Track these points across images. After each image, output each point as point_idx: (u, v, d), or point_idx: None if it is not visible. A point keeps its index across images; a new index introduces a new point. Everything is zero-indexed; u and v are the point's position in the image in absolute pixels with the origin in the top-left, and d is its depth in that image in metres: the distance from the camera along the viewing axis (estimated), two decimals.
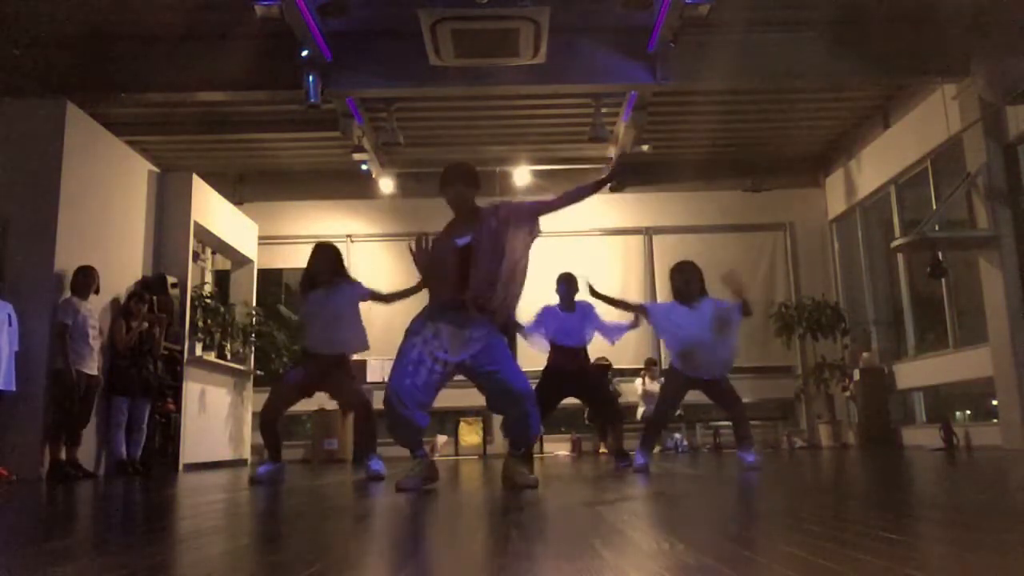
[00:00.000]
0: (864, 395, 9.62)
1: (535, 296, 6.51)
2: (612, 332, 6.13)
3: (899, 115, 9.31)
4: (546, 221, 3.95)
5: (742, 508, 2.84)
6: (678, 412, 10.37)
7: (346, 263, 5.51)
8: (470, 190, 3.89)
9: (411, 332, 3.80)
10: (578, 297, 6.17)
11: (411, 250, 3.90)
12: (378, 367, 10.16)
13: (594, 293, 5.44)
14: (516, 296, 3.87)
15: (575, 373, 6.07)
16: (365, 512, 3.04)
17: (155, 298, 7.43)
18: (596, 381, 6.46)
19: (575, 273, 6.22)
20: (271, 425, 5.09)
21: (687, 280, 5.14)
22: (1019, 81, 6.96)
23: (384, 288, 5.37)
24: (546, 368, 6.18)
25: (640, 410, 10.29)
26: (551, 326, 6.06)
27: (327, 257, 5.18)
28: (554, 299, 6.24)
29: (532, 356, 6.52)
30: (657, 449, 9.84)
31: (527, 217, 3.85)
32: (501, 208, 3.88)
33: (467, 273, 3.72)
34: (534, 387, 6.26)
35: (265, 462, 5.15)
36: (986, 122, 7.70)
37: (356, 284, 5.23)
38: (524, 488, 3.65)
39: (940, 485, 3.71)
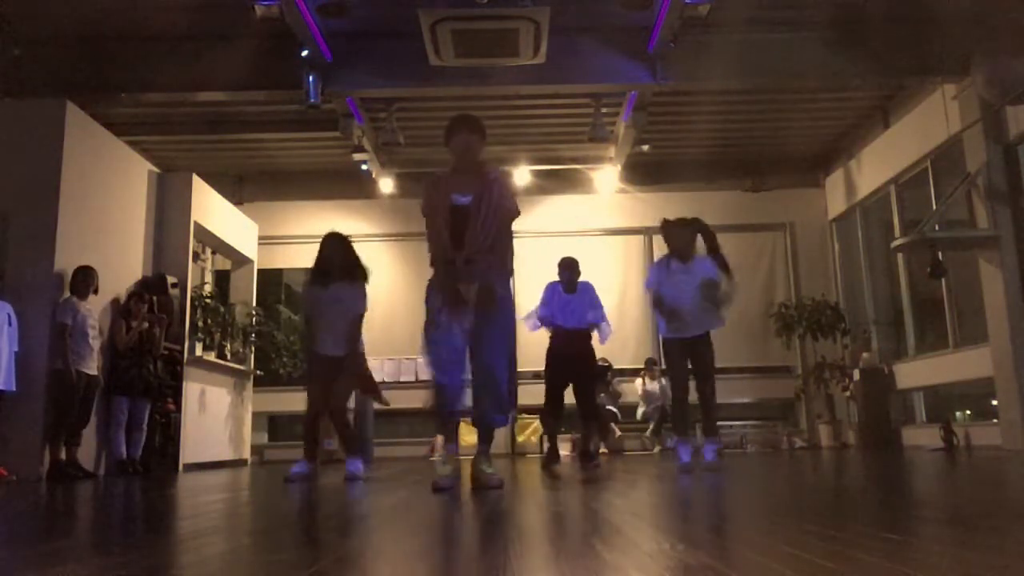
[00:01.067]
0: (864, 395, 9.61)
1: (539, 299, 6.55)
2: (606, 327, 6.18)
3: (899, 115, 9.31)
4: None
5: (742, 508, 2.84)
6: None
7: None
8: (476, 138, 3.95)
9: (431, 307, 3.86)
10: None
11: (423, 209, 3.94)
12: (378, 367, 10.16)
13: None
14: (505, 255, 3.91)
15: (576, 356, 6.07)
16: (365, 512, 3.04)
17: (155, 298, 7.43)
18: (591, 374, 6.42)
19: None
20: (312, 423, 5.13)
21: (687, 239, 5.10)
22: (1019, 81, 6.96)
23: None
24: (548, 351, 6.19)
25: (640, 410, 10.28)
26: (553, 303, 6.09)
27: (339, 249, 5.16)
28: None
29: (533, 358, 6.55)
30: (656, 449, 9.83)
31: (511, 201, 3.94)
32: (503, 176, 4.00)
33: (462, 232, 3.76)
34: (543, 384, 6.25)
35: (299, 461, 5.13)
36: (986, 122, 7.69)
37: (359, 297, 5.17)
38: (490, 489, 3.65)
39: (940, 485, 3.71)
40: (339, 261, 5.12)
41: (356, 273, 5.18)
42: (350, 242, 5.30)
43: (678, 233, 5.16)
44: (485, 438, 3.91)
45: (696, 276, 5.00)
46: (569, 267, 6.26)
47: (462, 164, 3.96)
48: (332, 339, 5.09)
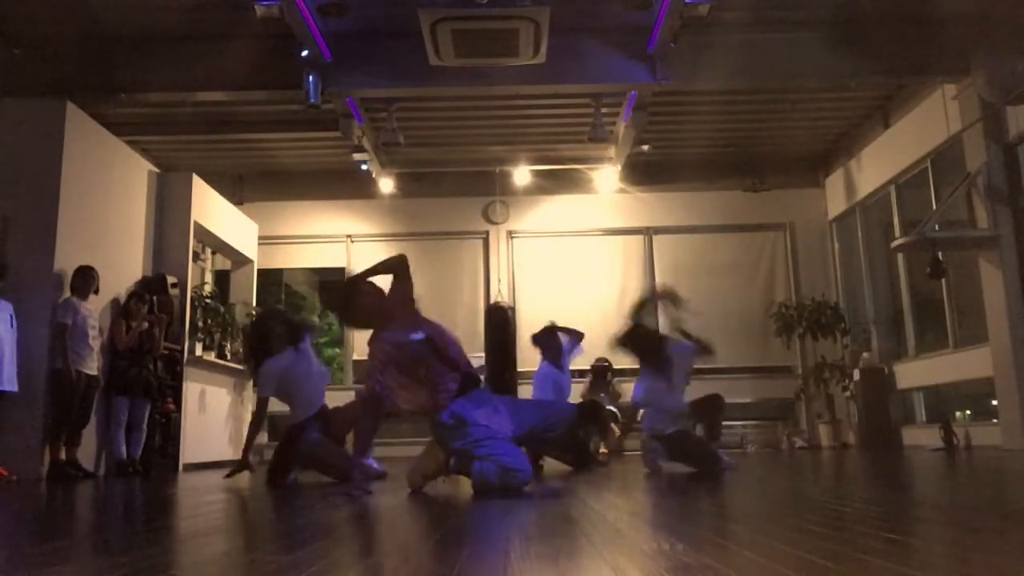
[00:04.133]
0: (864, 395, 9.61)
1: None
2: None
3: (899, 115, 9.30)
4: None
5: (742, 508, 2.84)
6: None
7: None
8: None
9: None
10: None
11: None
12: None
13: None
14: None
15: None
16: (364, 513, 3.04)
17: (155, 298, 7.43)
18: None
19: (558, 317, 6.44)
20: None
21: (659, 348, 5.16)
22: (1019, 81, 6.96)
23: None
24: None
25: (640, 411, 10.27)
26: (548, 387, 6.15)
27: (274, 322, 5.20)
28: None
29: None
30: None
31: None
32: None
33: (443, 358, 3.74)
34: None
35: (367, 457, 5.10)
36: (986, 122, 7.69)
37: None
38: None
39: (940, 485, 3.71)
40: (278, 333, 5.11)
41: (298, 334, 5.17)
42: (279, 311, 5.35)
43: (652, 346, 5.15)
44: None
45: (681, 369, 5.05)
46: (549, 336, 6.41)
47: (404, 305, 4.08)
48: (314, 399, 5.08)
